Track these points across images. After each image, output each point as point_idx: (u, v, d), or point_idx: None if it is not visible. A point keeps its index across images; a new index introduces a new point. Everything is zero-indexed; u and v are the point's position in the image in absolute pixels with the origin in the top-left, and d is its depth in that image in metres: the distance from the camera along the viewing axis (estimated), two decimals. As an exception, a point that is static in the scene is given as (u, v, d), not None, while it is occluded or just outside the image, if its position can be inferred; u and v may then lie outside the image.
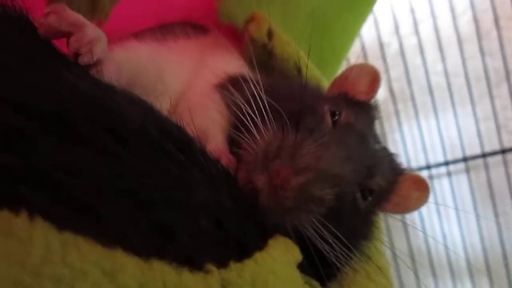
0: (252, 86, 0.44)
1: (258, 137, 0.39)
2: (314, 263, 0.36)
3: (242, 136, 0.40)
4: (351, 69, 0.55)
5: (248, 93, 0.44)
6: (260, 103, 0.41)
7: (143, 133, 0.30)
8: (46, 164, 0.25)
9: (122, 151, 0.28)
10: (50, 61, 0.31)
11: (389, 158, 0.51)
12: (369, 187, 0.44)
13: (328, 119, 0.45)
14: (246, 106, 0.42)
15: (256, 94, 0.42)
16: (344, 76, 0.55)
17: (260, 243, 0.31)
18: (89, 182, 0.26)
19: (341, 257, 0.38)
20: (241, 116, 0.41)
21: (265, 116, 0.40)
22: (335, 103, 0.48)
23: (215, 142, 0.42)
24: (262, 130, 0.39)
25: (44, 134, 0.26)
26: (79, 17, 0.36)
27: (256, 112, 0.41)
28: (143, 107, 0.35)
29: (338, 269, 0.39)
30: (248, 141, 0.39)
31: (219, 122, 0.46)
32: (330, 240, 0.37)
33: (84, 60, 0.34)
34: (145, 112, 0.33)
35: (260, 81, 0.45)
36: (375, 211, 0.49)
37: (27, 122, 0.26)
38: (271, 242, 0.32)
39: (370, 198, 0.44)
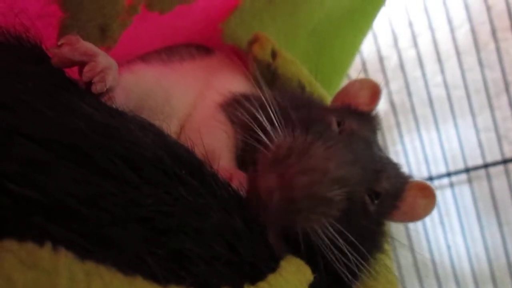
0: (259, 99, 0.45)
1: (269, 143, 0.40)
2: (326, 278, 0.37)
3: (254, 146, 0.41)
4: (353, 83, 0.57)
5: (255, 106, 0.45)
6: (269, 111, 0.42)
7: (157, 160, 0.31)
8: (64, 195, 0.26)
9: (137, 179, 0.29)
10: (65, 91, 0.32)
11: (394, 165, 0.51)
12: (376, 191, 0.44)
13: (335, 126, 0.46)
14: (254, 118, 0.43)
15: (264, 104, 0.44)
16: (346, 90, 0.58)
17: (272, 265, 0.32)
18: (106, 211, 0.26)
19: (352, 266, 0.38)
20: (250, 129, 0.42)
21: (275, 123, 0.42)
22: (339, 113, 0.49)
23: (223, 161, 0.43)
24: (273, 136, 0.40)
25: (62, 166, 0.27)
26: (91, 47, 0.37)
27: (266, 121, 0.42)
28: (153, 132, 0.36)
29: (349, 282, 0.40)
30: (260, 149, 0.40)
31: (225, 141, 0.47)
32: (343, 247, 0.37)
33: (97, 89, 0.35)
34: (156, 138, 0.34)
35: (268, 92, 0.47)
36: (385, 219, 0.49)
37: (46, 155, 0.26)
38: (283, 263, 0.33)
39: (376, 202, 0.44)
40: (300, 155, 0.37)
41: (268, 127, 0.41)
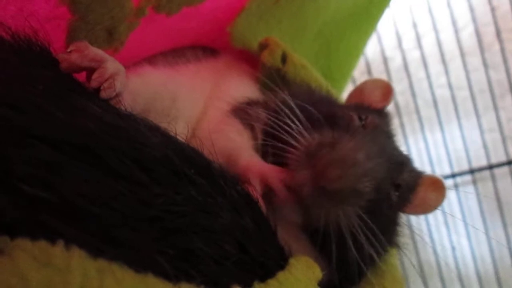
0: (273, 101, 0.46)
1: (297, 141, 0.42)
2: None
3: (280, 145, 0.42)
4: (366, 83, 0.61)
5: (273, 106, 0.46)
6: (289, 111, 0.44)
7: (166, 160, 0.31)
8: (76, 195, 0.26)
9: (147, 179, 0.29)
10: (74, 93, 0.33)
11: (410, 160, 0.53)
12: (397, 183, 0.45)
13: (357, 121, 0.47)
14: (273, 121, 0.44)
15: (281, 106, 0.45)
16: (359, 89, 0.61)
17: (281, 263, 0.32)
18: (117, 211, 0.27)
19: (374, 255, 0.40)
20: (270, 132, 0.44)
21: (298, 123, 0.43)
22: (357, 109, 0.51)
23: (244, 157, 0.43)
24: (299, 136, 0.42)
25: (74, 167, 0.27)
26: (99, 53, 0.37)
27: (289, 121, 0.43)
28: (162, 134, 0.36)
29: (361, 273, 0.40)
30: (288, 149, 0.42)
31: (241, 141, 0.47)
32: (365, 237, 0.38)
33: (106, 94, 0.35)
34: (165, 139, 0.35)
35: (282, 93, 0.48)
36: (400, 211, 0.51)
37: (57, 156, 0.27)
38: (292, 261, 0.33)
39: (397, 193, 0.45)
40: (330, 149, 0.39)
41: (293, 127, 0.42)
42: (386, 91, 0.58)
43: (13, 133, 0.26)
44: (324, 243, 0.39)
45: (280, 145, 0.42)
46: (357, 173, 0.38)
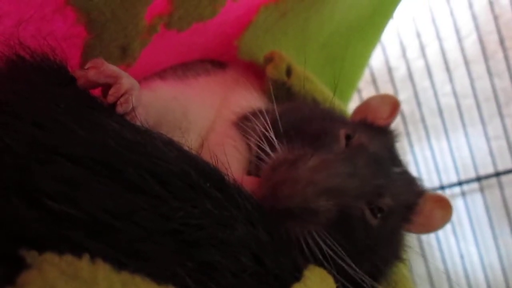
0: (268, 115, 0.47)
1: (267, 154, 0.43)
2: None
3: (262, 159, 0.44)
4: (373, 98, 0.60)
5: (264, 121, 0.47)
6: (277, 127, 0.45)
7: (183, 174, 0.32)
8: (99, 210, 0.27)
9: (165, 193, 0.30)
10: (94, 110, 0.34)
11: (408, 180, 0.52)
12: (378, 206, 0.44)
13: (343, 140, 0.47)
14: (262, 133, 0.45)
15: (273, 119, 0.46)
16: (366, 104, 0.60)
17: (296, 275, 0.33)
18: (138, 225, 0.28)
19: (351, 274, 0.39)
20: (259, 143, 0.45)
21: (282, 138, 0.44)
22: (352, 127, 0.50)
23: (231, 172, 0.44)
24: (278, 149, 0.43)
25: (96, 182, 0.28)
26: (115, 69, 0.38)
27: (273, 135, 0.44)
28: (177, 148, 0.37)
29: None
30: (266, 160, 0.43)
31: (235, 155, 0.48)
32: (331, 253, 0.38)
33: (122, 109, 0.36)
34: (180, 153, 0.36)
35: (278, 107, 0.48)
36: (399, 231, 0.50)
37: (81, 172, 0.28)
38: (306, 273, 0.34)
39: (379, 215, 0.44)
40: (290, 166, 0.39)
41: (275, 141, 0.43)
42: (393, 107, 0.57)
43: (38, 151, 0.27)
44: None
45: (264, 157, 0.43)
46: (311, 192, 0.38)
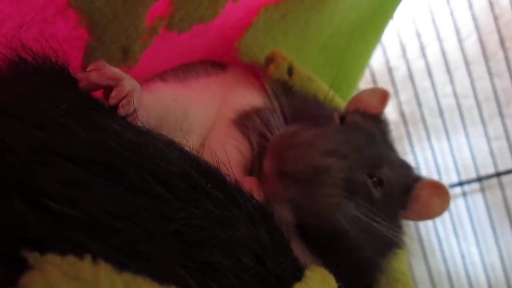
0: (269, 110, 0.48)
1: (272, 134, 0.45)
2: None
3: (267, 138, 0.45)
4: (363, 92, 0.61)
5: (265, 119, 0.48)
6: (278, 105, 0.47)
7: (184, 175, 0.32)
8: (100, 212, 0.27)
9: (167, 194, 0.30)
10: (96, 112, 0.34)
11: (404, 164, 0.52)
12: (379, 177, 0.45)
13: (337, 120, 0.48)
14: (263, 130, 0.46)
15: (274, 115, 0.47)
16: (357, 97, 0.61)
17: (297, 275, 0.33)
18: (140, 226, 0.28)
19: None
20: (261, 140, 0.46)
21: (278, 117, 0.46)
22: (345, 112, 0.52)
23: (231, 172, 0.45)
24: (276, 128, 0.45)
25: (98, 184, 0.28)
26: (117, 71, 0.38)
27: (275, 130, 0.45)
28: (178, 149, 0.37)
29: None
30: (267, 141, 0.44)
31: (235, 155, 0.49)
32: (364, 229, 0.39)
33: (124, 111, 0.37)
34: (181, 154, 0.36)
35: (277, 103, 0.50)
36: (397, 216, 0.50)
37: (82, 174, 0.28)
38: (307, 273, 0.34)
39: (379, 188, 0.44)
40: (292, 135, 0.41)
41: (271, 122, 0.45)
42: (383, 98, 0.58)
43: (39, 152, 0.28)
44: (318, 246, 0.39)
45: (267, 135, 0.45)
46: (316, 151, 0.39)
